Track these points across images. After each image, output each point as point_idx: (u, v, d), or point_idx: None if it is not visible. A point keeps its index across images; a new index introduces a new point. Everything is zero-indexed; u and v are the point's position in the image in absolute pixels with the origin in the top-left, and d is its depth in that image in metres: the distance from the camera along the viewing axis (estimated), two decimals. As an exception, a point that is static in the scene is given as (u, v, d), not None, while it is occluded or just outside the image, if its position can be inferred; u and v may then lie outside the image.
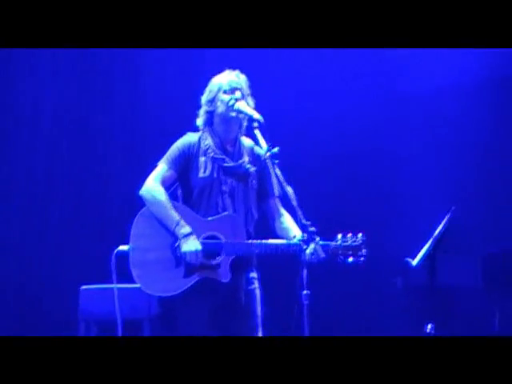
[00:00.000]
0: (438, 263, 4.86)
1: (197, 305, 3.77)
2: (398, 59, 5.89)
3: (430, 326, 4.68)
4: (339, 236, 3.78)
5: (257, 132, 3.75)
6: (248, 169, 3.91)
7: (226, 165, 3.87)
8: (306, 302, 3.45)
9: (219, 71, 3.98)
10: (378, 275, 5.60)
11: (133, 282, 3.78)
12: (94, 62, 6.01)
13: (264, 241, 3.79)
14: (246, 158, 3.92)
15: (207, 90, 3.94)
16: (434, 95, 6.08)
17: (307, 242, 3.56)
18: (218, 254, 3.77)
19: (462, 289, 5.35)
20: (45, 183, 6.03)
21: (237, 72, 3.94)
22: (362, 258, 3.76)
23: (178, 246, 3.76)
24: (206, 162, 3.87)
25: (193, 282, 3.75)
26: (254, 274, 3.92)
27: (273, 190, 3.96)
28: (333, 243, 3.76)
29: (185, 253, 3.73)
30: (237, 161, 3.90)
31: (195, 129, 3.99)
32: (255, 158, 3.95)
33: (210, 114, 3.92)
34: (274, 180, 3.90)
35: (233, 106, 3.84)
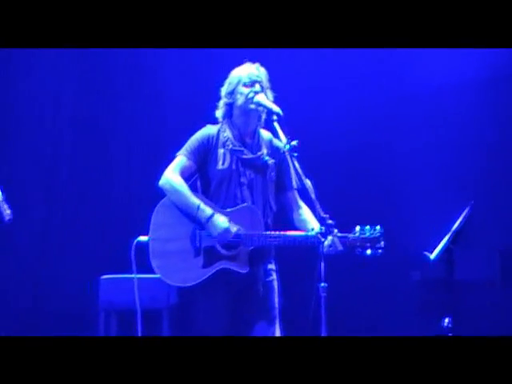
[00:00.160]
0: (456, 257, 4.86)
1: (215, 295, 3.80)
2: (407, 57, 5.91)
3: (447, 320, 4.68)
4: (357, 228, 3.78)
5: (276, 125, 3.77)
6: (266, 161, 3.93)
7: (244, 157, 3.90)
8: (323, 295, 3.45)
9: (233, 67, 4.00)
10: (395, 269, 5.60)
11: (152, 272, 3.81)
12: (95, 60, 6.03)
13: (282, 232, 3.81)
14: (264, 151, 3.94)
15: (227, 82, 3.96)
16: (451, 85, 6.08)
17: (325, 235, 3.56)
18: (237, 245, 3.80)
19: (480, 283, 5.34)
20: (67, 175, 6.09)
21: (257, 65, 3.96)
22: (380, 250, 3.76)
23: (200, 234, 3.78)
24: (224, 154, 3.90)
25: (212, 272, 3.78)
26: (272, 266, 3.94)
27: (291, 182, 3.98)
28: (351, 235, 3.77)
29: (216, 236, 3.75)
30: (255, 153, 3.92)
31: (213, 122, 4.02)
32: (274, 151, 3.97)
33: (230, 106, 3.94)
34: (293, 172, 3.91)
35: (252, 98, 3.86)
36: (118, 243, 4.84)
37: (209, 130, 3.97)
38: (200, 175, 3.95)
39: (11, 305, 5.80)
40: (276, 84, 3.97)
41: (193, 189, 3.91)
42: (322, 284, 3.46)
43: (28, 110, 6.04)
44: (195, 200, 3.81)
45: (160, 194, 3.89)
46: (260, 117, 3.94)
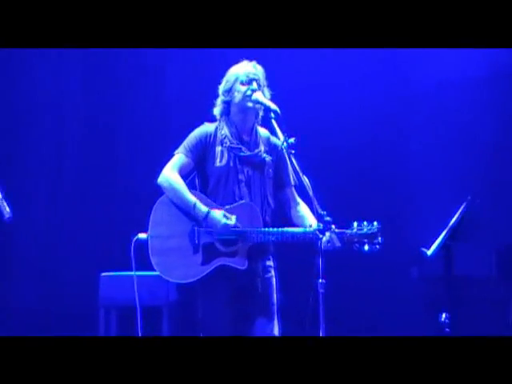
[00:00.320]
0: (453, 253, 4.87)
1: (214, 292, 3.82)
2: (408, 56, 5.94)
3: (444, 316, 4.70)
4: (355, 224, 3.80)
5: (273, 122, 3.80)
6: (264, 158, 3.95)
7: (242, 154, 3.92)
8: (321, 291, 3.47)
9: (232, 64, 4.02)
10: (392, 265, 5.63)
11: (152, 269, 3.83)
12: (98, 60, 6.06)
13: (280, 229, 3.83)
14: (262, 148, 3.96)
15: (224, 80, 3.98)
16: (452, 84, 6.10)
17: (323, 232, 3.59)
18: (236, 242, 3.82)
19: (477, 279, 5.36)
20: (67, 173, 6.12)
21: (254, 63, 3.97)
22: (378, 246, 3.78)
23: (198, 231, 3.81)
24: (222, 152, 3.92)
25: (211, 269, 3.80)
26: (270, 263, 3.96)
27: (289, 179, 4.00)
28: (348, 231, 3.79)
29: (218, 229, 3.77)
30: (253, 150, 3.94)
31: (212, 120, 4.04)
32: (271, 148, 3.99)
33: (227, 104, 3.96)
34: (290, 169, 3.95)
35: (250, 96, 3.88)
36: (117, 241, 4.86)
37: (206, 127, 3.99)
38: (198, 173, 3.97)
39: (12, 304, 5.83)
40: (278, 83, 3.98)
41: (192, 186, 3.93)
42: (321, 280, 3.48)
43: (31, 108, 6.06)
44: (192, 198, 3.84)
45: (159, 191, 3.91)
46: (257, 114, 3.96)
